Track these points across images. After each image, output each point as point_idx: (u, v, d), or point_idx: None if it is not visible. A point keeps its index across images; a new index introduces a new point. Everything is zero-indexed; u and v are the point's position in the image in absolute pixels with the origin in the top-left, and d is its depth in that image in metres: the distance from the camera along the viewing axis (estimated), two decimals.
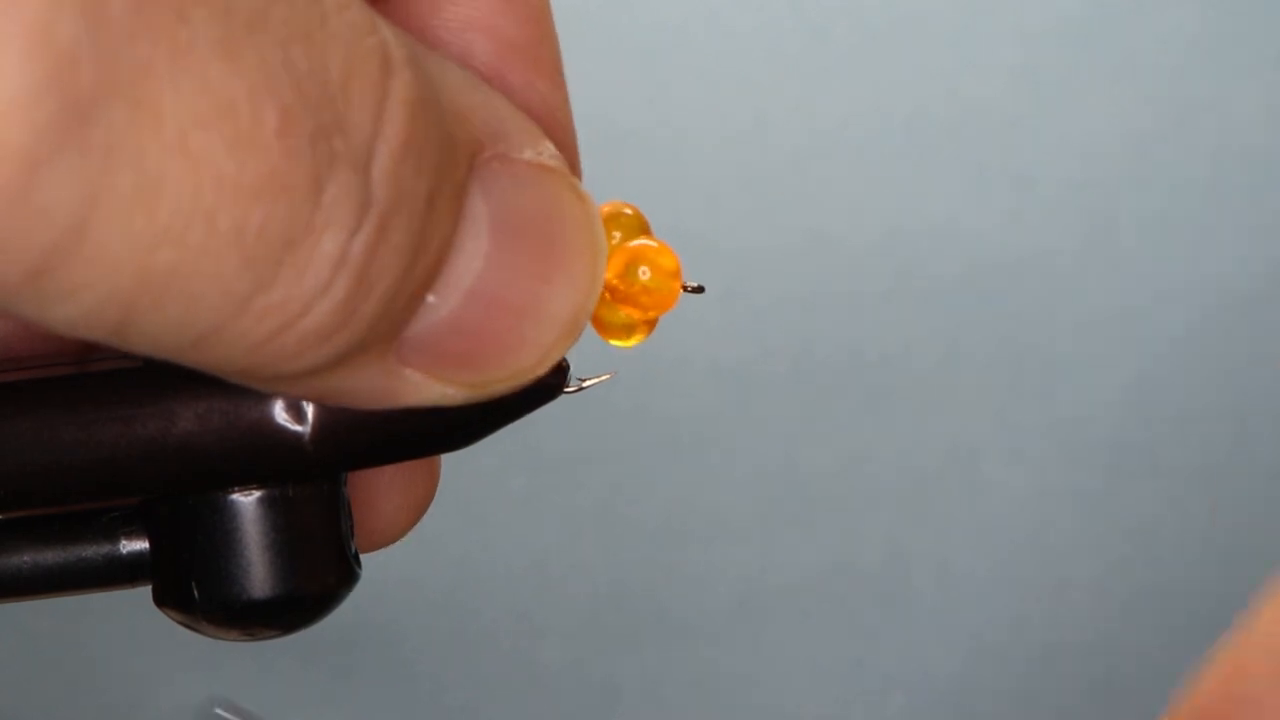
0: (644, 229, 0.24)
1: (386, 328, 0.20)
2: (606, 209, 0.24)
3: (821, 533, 0.67)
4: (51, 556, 0.24)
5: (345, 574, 0.24)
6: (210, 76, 0.17)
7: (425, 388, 0.21)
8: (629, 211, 0.24)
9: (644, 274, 0.24)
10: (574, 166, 0.25)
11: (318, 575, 0.23)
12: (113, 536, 0.24)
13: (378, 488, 0.26)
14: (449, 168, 0.20)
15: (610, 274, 0.24)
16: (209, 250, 0.17)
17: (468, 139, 0.20)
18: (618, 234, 0.24)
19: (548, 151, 0.21)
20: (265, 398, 0.22)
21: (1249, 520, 0.67)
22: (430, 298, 0.20)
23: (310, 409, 0.22)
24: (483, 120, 0.21)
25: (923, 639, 0.67)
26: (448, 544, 0.66)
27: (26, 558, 0.24)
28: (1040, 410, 0.67)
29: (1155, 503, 0.67)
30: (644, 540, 0.66)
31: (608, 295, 0.24)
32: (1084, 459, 0.67)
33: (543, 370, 0.22)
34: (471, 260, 0.20)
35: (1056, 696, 0.67)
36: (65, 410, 0.22)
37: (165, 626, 0.25)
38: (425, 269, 0.20)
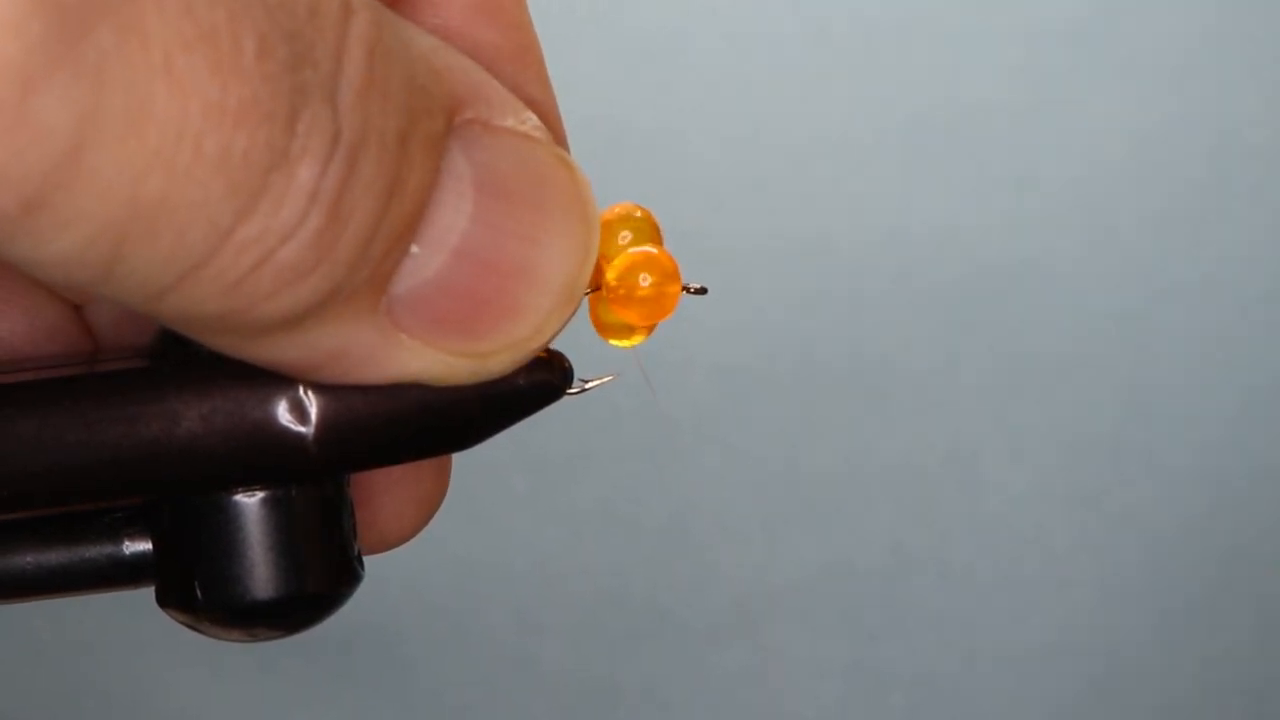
0: (655, 231, 0.24)
1: (368, 274, 0.20)
2: (618, 210, 0.24)
3: (821, 533, 0.67)
4: (55, 557, 0.24)
5: (348, 575, 0.24)
6: (192, 2, 0.17)
7: (423, 355, 0.21)
8: (640, 214, 0.24)
9: (644, 281, 0.24)
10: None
11: (320, 576, 0.23)
12: (116, 537, 0.24)
13: (385, 489, 0.26)
14: (422, 115, 0.20)
15: (611, 276, 0.24)
16: (195, 176, 0.18)
17: (444, 94, 0.21)
18: (628, 234, 0.24)
19: (530, 121, 0.22)
20: (269, 398, 0.22)
21: (1249, 520, 0.67)
22: (414, 249, 0.20)
23: (314, 410, 0.22)
24: (460, 81, 0.21)
25: (923, 639, 0.67)
26: (448, 544, 0.66)
27: (30, 558, 0.24)
28: (1040, 410, 0.67)
29: (1155, 503, 0.67)
30: (644, 540, 0.66)
31: (607, 296, 0.24)
32: (1084, 459, 0.67)
33: (541, 341, 0.22)
34: (455, 216, 0.21)
35: (1057, 696, 0.67)
36: (69, 411, 0.22)
37: (167, 627, 0.25)
38: (403, 213, 0.20)
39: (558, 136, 0.25)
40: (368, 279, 0.20)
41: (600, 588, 0.66)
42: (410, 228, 0.20)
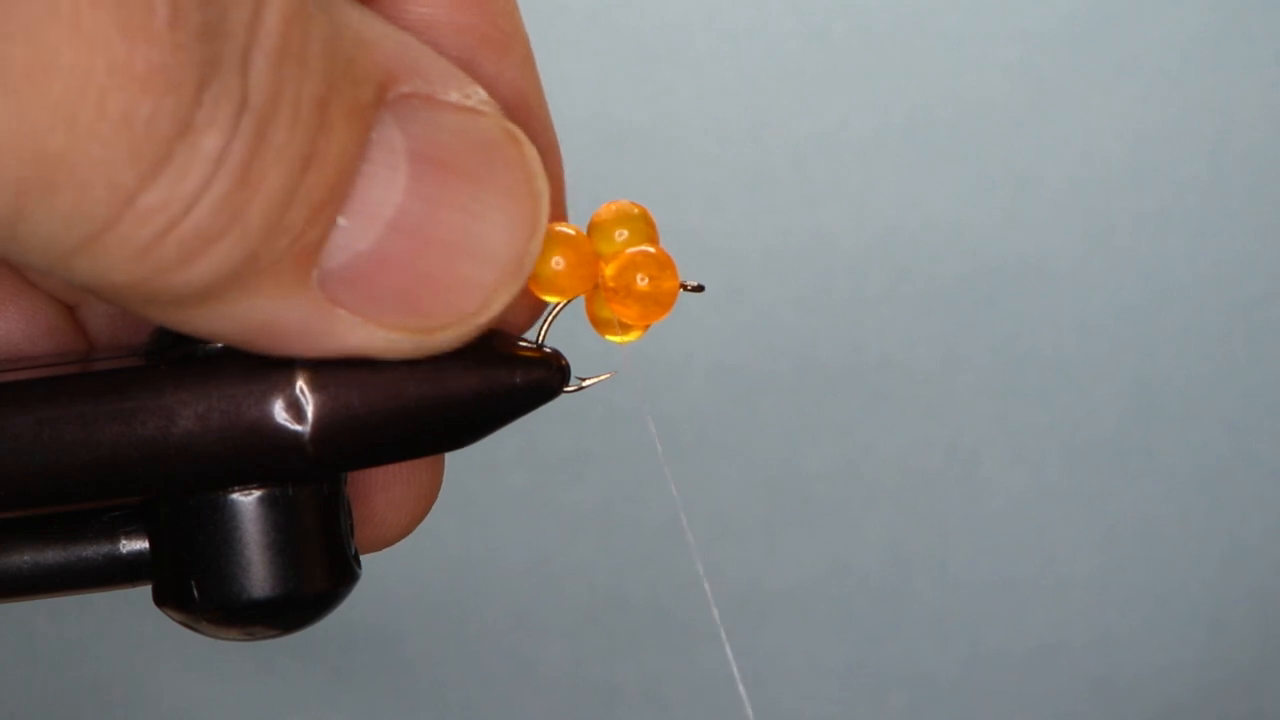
0: (651, 229, 0.24)
1: (289, 244, 0.20)
2: (614, 207, 0.24)
3: (821, 533, 0.67)
4: (52, 556, 0.24)
5: (345, 574, 0.24)
6: None
7: (361, 330, 0.21)
8: (636, 211, 0.24)
9: (642, 280, 0.24)
10: (552, 150, 0.25)
11: (317, 575, 0.23)
12: (113, 536, 0.24)
13: (380, 487, 0.26)
14: (344, 84, 0.20)
15: (609, 274, 0.24)
16: (98, 135, 0.18)
17: (373, 65, 0.20)
18: (624, 232, 0.24)
19: (477, 95, 0.21)
20: (265, 397, 0.22)
21: (1249, 520, 0.67)
22: (343, 221, 0.20)
23: (310, 408, 0.22)
24: (392, 53, 0.21)
25: (922, 639, 0.67)
26: (448, 544, 0.66)
27: (27, 558, 0.24)
28: (1040, 410, 0.67)
29: (1155, 503, 0.67)
30: (644, 540, 0.66)
31: (605, 295, 0.24)
32: (1084, 459, 0.67)
33: (488, 316, 0.22)
34: (387, 189, 0.20)
35: (1056, 696, 0.67)
36: (66, 410, 0.22)
37: (165, 626, 0.25)
38: (323, 182, 0.20)
39: (541, 122, 0.24)
40: (290, 250, 0.20)
41: (600, 587, 0.66)
42: (333, 197, 0.20)
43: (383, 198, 0.20)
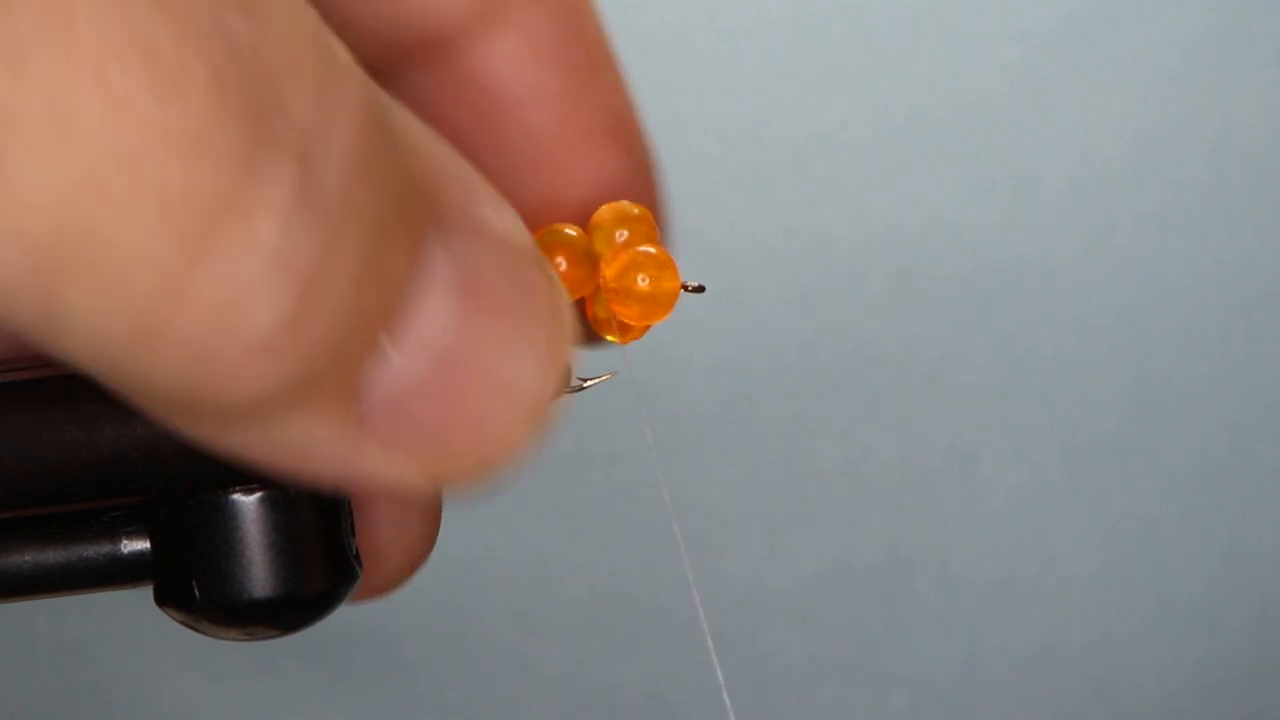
0: (651, 229, 0.24)
1: (339, 364, 0.18)
2: (615, 207, 0.24)
3: (821, 533, 0.67)
4: (52, 556, 0.24)
5: (346, 574, 0.24)
6: (131, 9, 0.15)
7: (387, 463, 0.19)
8: (637, 211, 0.24)
9: (642, 280, 0.24)
10: (654, 166, 0.25)
11: (318, 575, 0.23)
12: (114, 536, 0.24)
13: (382, 523, 0.26)
14: (407, 201, 0.18)
15: (609, 275, 0.24)
16: (133, 205, 0.16)
17: (424, 179, 0.19)
18: (624, 232, 0.24)
19: (510, 217, 0.20)
20: None
21: (1249, 520, 0.67)
22: (389, 347, 0.18)
23: None
24: (439, 167, 0.19)
25: (923, 639, 0.67)
26: (448, 544, 0.66)
27: (27, 557, 0.24)
28: (1040, 410, 0.67)
29: (1155, 503, 0.67)
30: (644, 540, 0.66)
31: (605, 295, 0.24)
32: (1084, 459, 0.67)
33: (506, 458, 0.20)
34: (435, 319, 0.19)
35: (1057, 696, 0.67)
36: (66, 409, 0.22)
37: (166, 626, 0.25)
38: (378, 304, 0.18)
39: (642, 140, 0.24)
40: (341, 372, 0.18)
41: (600, 587, 0.66)
42: (385, 320, 0.18)
43: (430, 327, 0.19)
